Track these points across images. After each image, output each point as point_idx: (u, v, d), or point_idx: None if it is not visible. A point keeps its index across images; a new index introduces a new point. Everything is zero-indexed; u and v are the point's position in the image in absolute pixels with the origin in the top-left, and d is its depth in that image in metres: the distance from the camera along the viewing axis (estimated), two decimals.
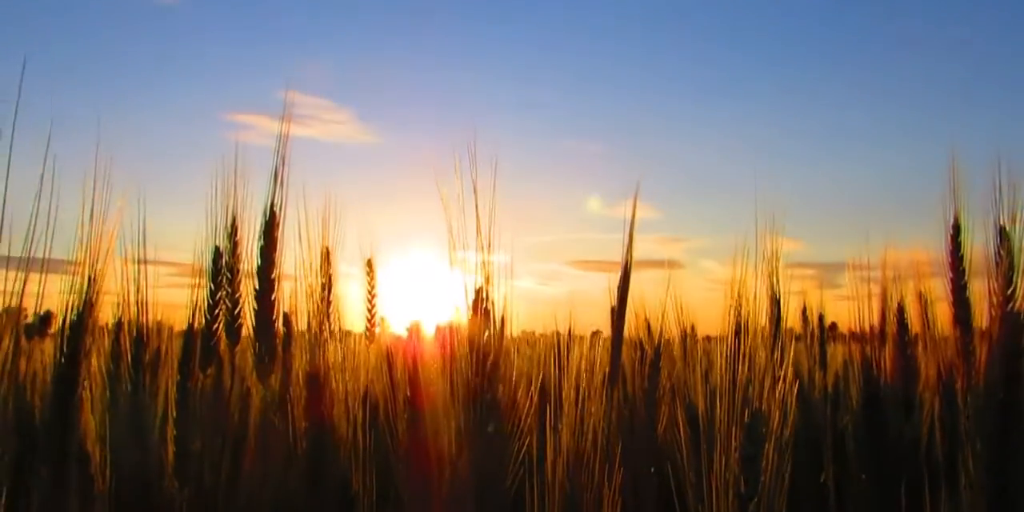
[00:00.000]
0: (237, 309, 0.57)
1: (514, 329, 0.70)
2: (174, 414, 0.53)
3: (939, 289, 0.59)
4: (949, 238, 0.56)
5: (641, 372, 0.68)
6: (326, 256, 0.63)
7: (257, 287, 0.55)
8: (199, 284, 0.57)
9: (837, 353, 1.75)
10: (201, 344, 0.54)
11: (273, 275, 0.55)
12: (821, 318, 1.20)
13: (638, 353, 0.74)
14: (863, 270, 0.71)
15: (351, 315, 0.82)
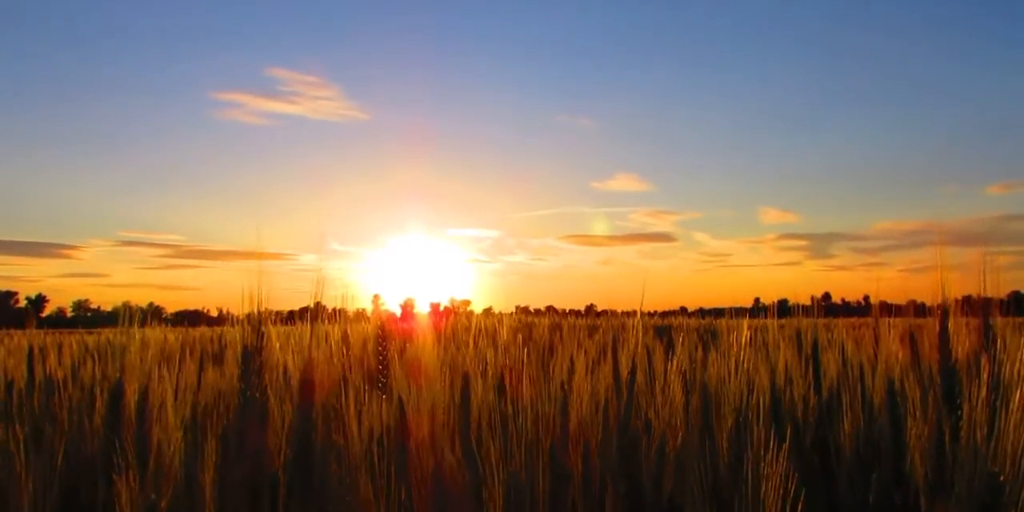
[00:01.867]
0: (264, 398, 0.60)
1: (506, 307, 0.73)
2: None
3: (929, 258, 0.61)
4: (936, 329, 0.60)
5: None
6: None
7: None
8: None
9: (831, 352, 1.79)
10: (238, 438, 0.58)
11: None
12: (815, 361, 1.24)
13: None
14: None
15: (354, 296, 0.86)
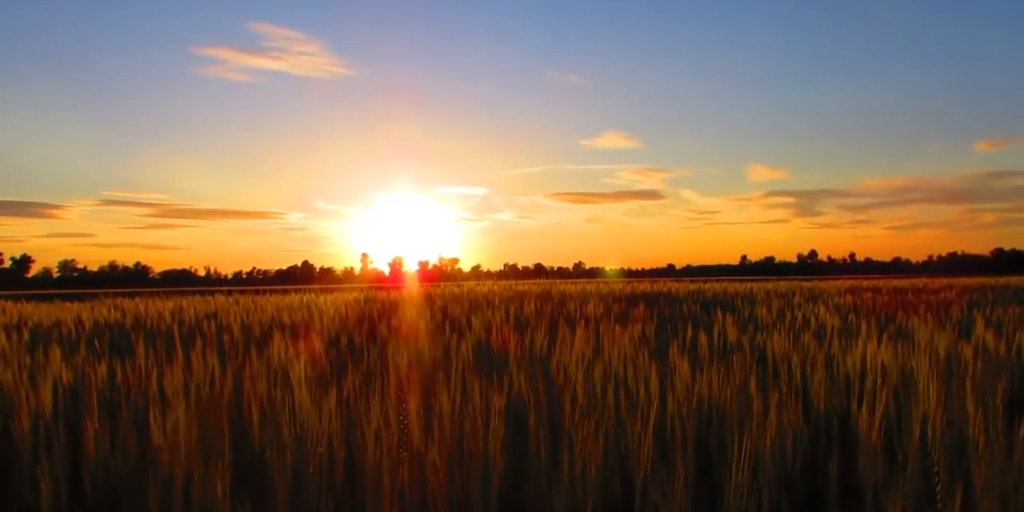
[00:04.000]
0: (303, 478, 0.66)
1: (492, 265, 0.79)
2: None
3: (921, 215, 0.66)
4: (916, 439, 0.66)
5: None
6: None
7: None
8: None
9: (819, 352, 1.87)
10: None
11: None
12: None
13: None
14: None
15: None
